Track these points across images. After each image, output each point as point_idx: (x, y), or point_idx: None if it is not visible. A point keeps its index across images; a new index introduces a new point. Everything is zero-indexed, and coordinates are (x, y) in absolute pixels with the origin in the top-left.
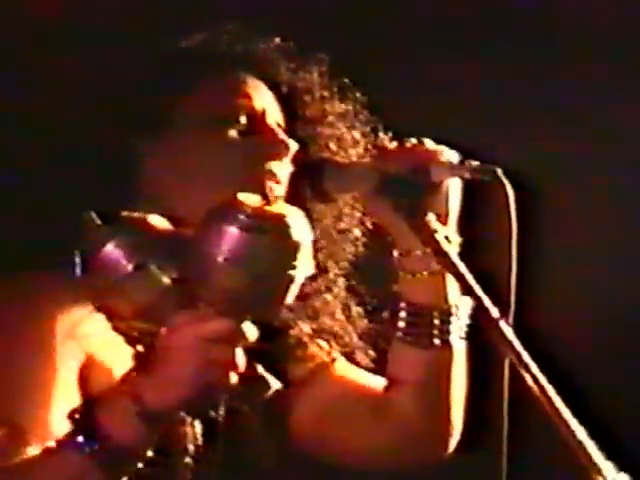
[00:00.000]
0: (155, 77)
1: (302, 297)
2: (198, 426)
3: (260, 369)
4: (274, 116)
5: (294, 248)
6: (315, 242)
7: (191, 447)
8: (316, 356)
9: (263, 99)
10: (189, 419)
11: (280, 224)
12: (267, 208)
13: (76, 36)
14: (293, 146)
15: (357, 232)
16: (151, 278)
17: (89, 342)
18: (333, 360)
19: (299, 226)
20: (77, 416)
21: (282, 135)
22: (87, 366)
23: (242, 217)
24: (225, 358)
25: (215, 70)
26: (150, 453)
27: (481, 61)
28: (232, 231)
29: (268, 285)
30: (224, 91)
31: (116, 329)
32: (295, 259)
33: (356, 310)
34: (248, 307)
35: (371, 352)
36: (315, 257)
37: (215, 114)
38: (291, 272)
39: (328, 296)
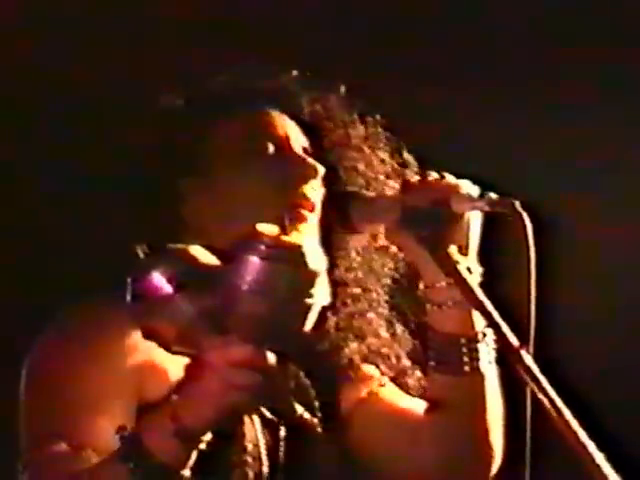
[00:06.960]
0: (187, 116)
1: (347, 316)
2: (262, 444)
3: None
4: (299, 142)
5: (310, 277)
6: (349, 269)
7: (250, 460)
8: (367, 380)
9: (287, 128)
10: (249, 436)
11: (296, 253)
12: (284, 238)
13: (115, 86)
14: (321, 169)
15: (394, 248)
16: (187, 304)
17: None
18: (381, 386)
19: (314, 255)
20: (124, 433)
21: (309, 159)
22: (144, 377)
23: (261, 246)
24: (247, 383)
25: (240, 106)
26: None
27: (499, 94)
28: (253, 260)
29: (287, 312)
30: (250, 124)
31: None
32: (312, 287)
33: (400, 328)
34: (269, 334)
35: (418, 373)
36: (354, 277)
37: (244, 146)
38: (308, 300)
39: (372, 314)
